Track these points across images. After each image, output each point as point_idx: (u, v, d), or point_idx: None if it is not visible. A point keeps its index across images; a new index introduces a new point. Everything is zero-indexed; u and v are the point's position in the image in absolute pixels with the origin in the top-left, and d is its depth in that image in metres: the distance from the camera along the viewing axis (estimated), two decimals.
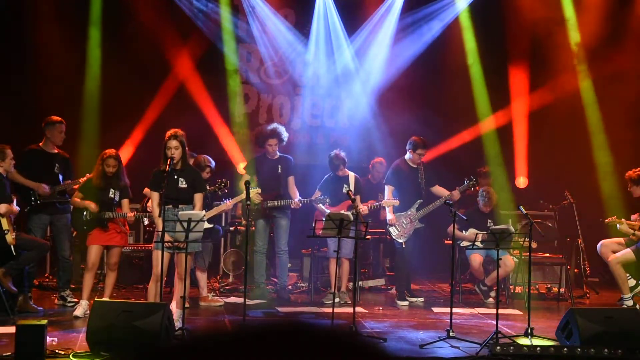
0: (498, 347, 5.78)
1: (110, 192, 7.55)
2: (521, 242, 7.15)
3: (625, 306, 8.22)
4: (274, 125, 8.89)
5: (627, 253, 8.39)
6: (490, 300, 8.65)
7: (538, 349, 5.81)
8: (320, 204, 8.48)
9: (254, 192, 8.10)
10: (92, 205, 7.45)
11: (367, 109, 11.23)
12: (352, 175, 8.78)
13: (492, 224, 8.50)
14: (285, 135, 8.70)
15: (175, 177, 6.91)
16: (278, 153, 8.68)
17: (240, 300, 7.60)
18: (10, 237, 7.08)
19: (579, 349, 5.72)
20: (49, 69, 9.87)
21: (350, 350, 1.36)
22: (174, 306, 6.75)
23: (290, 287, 9.13)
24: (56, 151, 8.01)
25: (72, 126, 8.91)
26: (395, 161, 8.83)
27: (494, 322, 6.40)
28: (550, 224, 9.69)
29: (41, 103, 9.52)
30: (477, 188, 8.97)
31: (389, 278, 9.71)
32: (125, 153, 9.91)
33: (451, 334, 6.40)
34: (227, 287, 9.33)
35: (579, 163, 10.90)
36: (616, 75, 10.90)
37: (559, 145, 11.06)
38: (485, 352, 5.93)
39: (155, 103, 10.44)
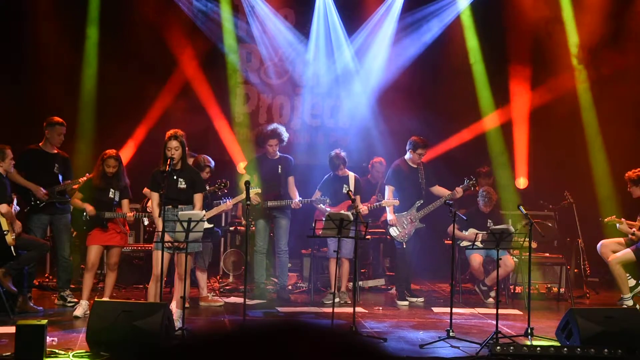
0: (498, 347, 5.78)
1: (110, 192, 7.56)
2: (521, 242, 7.14)
3: (625, 306, 8.21)
4: (274, 125, 8.88)
5: (627, 253, 8.39)
6: (490, 300, 8.65)
7: (538, 349, 5.81)
8: (321, 204, 8.48)
9: (253, 192, 8.10)
10: (89, 208, 7.45)
11: (367, 109, 11.23)
12: (352, 175, 8.78)
13: (492, 224, 8.49)
14: (285, 135, 8.70)
15: (175, 177, 6.91)
16: (278, 153, 8.68)
17: (240, 300, 7.60)
18: (10, 238, 7.08)
19: (579, 349, 5.72)
20: (48, 69, 9.87)
21: (350, 350, 1.36)
22: (174, 306, 6.75)
23: (290, 287, 9.13)
24: (56, 151, 8.00)
25: (72, 126, 8.92)
26: (395, 161, 8.83)
27: (494, 322, 6.40)
28: (550, 224, 9.70)
29: (41, 103, 9.53)
30: (477, 188, 8.97)
31: (389, 278, 9.71)
32: (127, 153, 9.92)
33: (451, 334, 6.40)
34: (227, 287, 9.33)
35: (578, 163, 10.90)
36: (616, 75, 10.90)
37: (559, 146, 11.05)
38: (485, 352, 5.93)
39: (156, 102, 10.43)
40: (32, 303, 7.62)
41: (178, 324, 6.39)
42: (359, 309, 7.51)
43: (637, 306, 8.23)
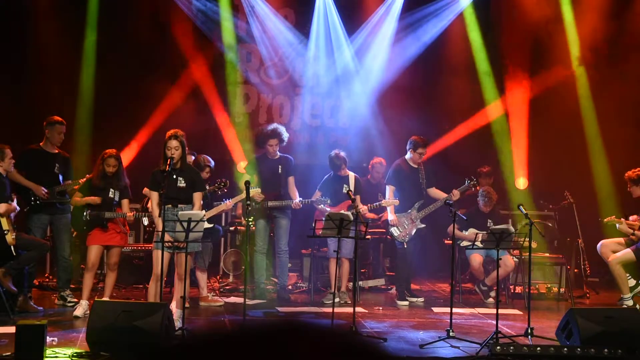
0: (498, 347, 5.78)
1: (110, 192, 7.56)
2: (521, 242, 7.15)
3: (625, 306, 8.21)
4: (274, 125, 8.88)
5: (627, 253, 8.39)
6: (490, 300, 8.65)
7: (538, 349, 5.81)
8: (321, 205, 8.48)
9: (255, 191, 8.10)
10: (93, 198, 7.45)
11: (367, 109, 11.23)
12: (352, 175, 8.78)
13: (492, 224, 8.49)
14: (285, 135, 8.70)
15: (175, 176, 6.92)
16: (278, 153, 8.68)
17: (240, 300, 7.60)
18: (10, 237, 7.08)
19: (579, 349, 5.72)
20: (48, 69, 9.87)
21: (350, 350, 1.36)
22: (174, 306, 6.75)
23: (290, 287, 9.13)
24: (56, 151, 8.00)
25: (71, 126, 8.92)
26: (395, 161, 8.82)
27: (494, 322, 6.40)
28: (550, 224, 9.70)
29: (41, 103, 9.53)
30: (477, 188, 8.97)
31: (389, 278, 9.71)
32: (127, 153, 9.92)
33: (451, 334, 6.40)
34: (227, 287, 9.33)
35: (579, 163, 10.89)
36: (616, 75, 10.90)
37: (559, 146, 11.04)
38: (485, 352, 5.93)
39: (156, 102, 10.43)
40: (32, 303, 7.62)
41: (178, 324, 6.39)
42: (359, 309, 7.51)
43: (637, 306, 8.23)
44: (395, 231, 8.57)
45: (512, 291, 9.13)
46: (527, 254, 7.07)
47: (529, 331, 6.42)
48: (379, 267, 9.99)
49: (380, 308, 8.33)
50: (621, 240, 8.60)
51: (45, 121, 7.96)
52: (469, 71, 11.38)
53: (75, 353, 5.68)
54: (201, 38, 10.81)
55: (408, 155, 8.67)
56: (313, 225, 7.00)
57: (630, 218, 8.56)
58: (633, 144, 10.54)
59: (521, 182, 11.07)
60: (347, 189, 8.14)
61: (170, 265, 7.03)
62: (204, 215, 6.78)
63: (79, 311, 7.30)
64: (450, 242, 8.01)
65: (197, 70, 10.74)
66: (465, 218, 8.22)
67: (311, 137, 11.46)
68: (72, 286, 8.17)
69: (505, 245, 6.99)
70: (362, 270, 9.57)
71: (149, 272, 7.20)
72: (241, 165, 10.37)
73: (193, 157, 8.25)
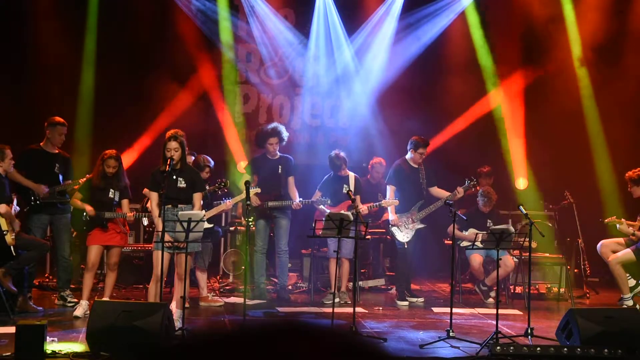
0: (498, 347, 5.78)
1: (110, 193, 7.56)
2: (521, 242, 7.14)
3: (625, 306, 8.22)
4: (274, 124, 8.89)
5: (627, 253, 8.39)
6: (490, 300, 8.65)
7: (538, 349, 5.81)
8: (322, 206, 8.48)
9: (253, 192, 8.10)
10: (88, 208, 7.45)
11: (367, 109, 11.23)
12: (352, 175, 8.78)
13: (492, 224, 8.49)
14: (285, 134, 8.70)
15: (175, 177, 6.92)
16: (278, 153, 8.68)
17: (240, 300, 7.60)
18: (9, 238, 7.08)
19: (579, 349, 5.72)
20: (48, 69, 9.87)
21: (350, 350, 1.36)
22: (174, 306, 6.75)
23: (290, 287, 9.13)
24: (57, 151, 8.00)
25: (71, 126, 8.92)
26: (396, 161, 8.82)
27: (494, 322, 6.39)
28: (550, 224, 9.70)
29: (41, 103, 9.53)
30: (477, 188, 8.97)
31: (389, 278, 9.70)
32: (129, 153, 9.92)
33: (451, 334, 6.40)
34: (227, 287, 9.33)
35: (579, 163, 10.89)
36: (616, 74, 10.90)
37: (559, 146, 11.05)
38: (485, 352, 5.93)
39: (157, 102, 10.43)
40: (32, 303, 7.62)
41: (178, 324, 6.39)
42: (359, 309, 7.51)
43: (637, 306, 8.23)
44: (395, 231, 8.56)
45: (512, 291, 9.13)
46: (527, 254, 7.06)
47: (529, 331, 6.42)
48: (379, 267, 9.99)
49: (380, 308, 8.33)
50: (621, 240, 8.60)
51: (46, 121, 7.96)
52: (469, 71, 11.38)
53: (75, 353, 5.68)
54: (201, 38, 10.80)
55: (409, 155, 8.67)
56: (313, 225, 7.00)
57: (639, 219, 8.54)
58: (633, 143, 10.54)
59: (521, 182, 11.07)
60: (347, 189, 8.14)
61: (170, 265, 7.03)
62: (204, 216, 6.78)
63: (79, 311, 7.30)
64: (450, 242, 8.01)
65: (197, 70, 10.73)
66: (465, 218, 8.22)
67: (311, 137, 11.46)
68: (72, 286, 8.16)
69: (505, 245, 6.98)
70: (362, 270, 9.57)
71: (149, 272, 7.20)
72: (241, 165, 10.37)
73: (193, 157, 8.25)
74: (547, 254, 9.32)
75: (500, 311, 6.74)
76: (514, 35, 11.36)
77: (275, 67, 11.27)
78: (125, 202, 7.64)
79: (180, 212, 6.65)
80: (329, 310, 7.17)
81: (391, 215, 8.57)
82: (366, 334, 6.75)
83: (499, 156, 11.19)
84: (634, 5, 11.13)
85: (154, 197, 6.93)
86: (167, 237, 6.56)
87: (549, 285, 9.39)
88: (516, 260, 8.82)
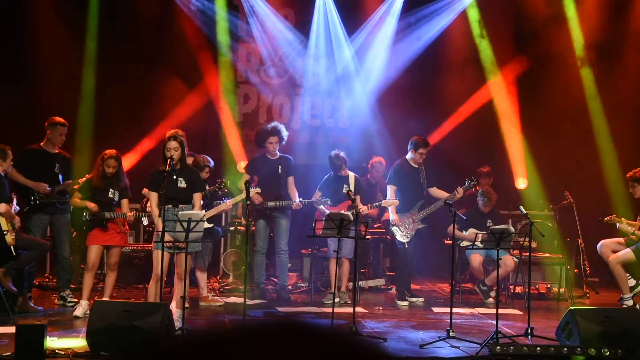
0: (498, 347, 5.78)
1: (110, 192, 7.56)
2: (521, 242, 7.14)
3: (625, 306, 8.22)
4: (274, 123, 8.90)
5: (627, 253, 8.39)
6: (490, 300, 8.65)
7: (538, 349, 5.81)
8: (322, 206, 8.48)
9: (254, 192, 8.10)
10: (91, 205, 7.46)
11: (367, 109, 11.23)
12: (352, 175, 8.78)
13: (491, 224, 8.49)
14: (285, 133, 8.70)
15: (175, 177, 6.91)
16: (278, 153, 8.68)
17: (240, 300, 7.60)
18: (9, 238, 7.08)
19: (579, 349, 5.72)
20: (49, 68, 9.87)
21: (350, 350, 1.36)
22: (174, 306, 6.75)
23: (290, 287, 9.13)
24: (57, 151, 8.00)
25: (73, 126, 8.91)
26: (396, 161, 8.82)
27: (494, 322, 6.39)
28: (550, 224, 9.70)
29: (42, 103, 9.52)
30: (477, 188, 8.97)
31: (389, 278, 9.70)
32: (131, 152, 9.92)
33: (451, 334, 6.40)
34: (227, 287, 9.33)
35: (578, 163, 10.89)
36: (617, 72, 10.90)
37: (559, 145, 11.05)
38: (485, 352, 5.93)
39: (158, 102, 10.43)
40: (32, 303, 7.62)
41: (178, 324, 6.39)
42: (359, 309, 7.51)
43: (637, 306, 8.23)
44: (396, 231, 8.56)
45: (512, 291, 9.13)
46: (527, 253, 7.06)
47: (529, 331, 6.41)
48: (379, 267, 9.99)
49: (380, 308, 8.33)
50: (621, 240, 8.60)
51: (47, 121, 7.96)
52: (469, 71, 11.38)
53: (75, 353, 5.68)
54: (201, 37, 10.80)
55: (409, 156, 8.67)
56: (313, 225, 7.00)
57: (639, 219, 8.54)
58: (634, 142, 10.54)
59: (521, 182, 11.06)
60: (347, 189, 8.14)
61: (170, 265, 7.03)
62: (204, 215, 6.78)
63: (79, 311, 7.30)
64: (450, 242, 8.01)
65: (197, 70, 10.73)
66: (465, 218, 8.22)
67: (311, 137, 11.46)
68: (72, 286, 8.16)
69: (505, 245, 6.98)
70: (362, 270, 9.57)
71: (149, 272, 7.20)
72: (241, 165, 10.37)
73: (192, 158, 8.25)
74: (547, 254, 9.32)
75: (500, 311, 6.74)
76: (510, 33, 11.36)
77: (275, 67, 11.27)
78: (125, 202, 7.64)
79: (180, 212, 6.65)
80: (329, 310, 7.17)
81: (392, 215, 8.57)
82: (366, 334, 6.75)
83: (499, 156, 11.19)
84: (634, 3, 11.12)
85: (153, 197, 6.93)
86: (167, 237, 6.56)
87: (549, 285, 9.39)
88: (516, 260, 8.82)
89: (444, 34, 11.33)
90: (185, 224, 6.34)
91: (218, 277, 9.74)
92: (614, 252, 8.49)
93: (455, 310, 6.78)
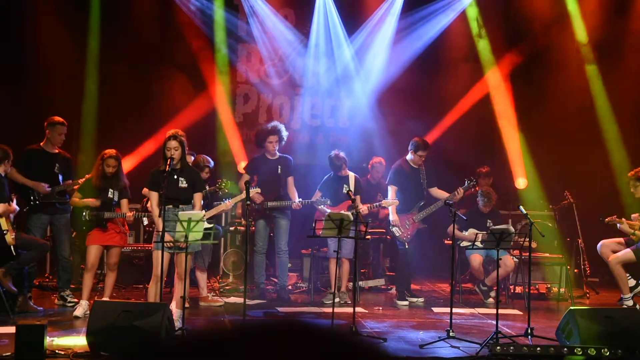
0: (498, 347, 5.78)
1: (110, 192, 7.56)
2: (521, 242, 7.14)
3: (625, 306, 8.21)
4: (274, 122, 8.91)
5: (627, 253, 8.39)
6: (490, 300, 8.65)
7: (538, 349, 5.81)
8: (322, 206, 8.48)
9: (254, 191, 8.10)
10: (92, 200, 7.45)
11: (367, 109, 11.23)
12: (352, 175, 8.78)
13: (491, 224, 8.50)
14: (285, 133, 8.70)
15: (175, 177, 6.91)
16: (278, 153, 8.68)
17: (240, 300, 7.60)
18: (9, 237, 7.08)
19: (579, 349, 5.71)
20: (50, 68, 9.86)
21: (350, 350, 1.36)
22: (174, 306, 6.74)
23: (290, 287, 9.13)
24: (57, 151, 8.00)
25: (75, 126, 8.91)
26: (397, 161, 8.82)
27: (494, 322, 6.39)
28: (550, 224, 9.69)
29: (44, 103, 9.51)
30: (477, 188, 8.97)
31: (389, 278, 9.70)
32: (133, 152, 9.93)
33: (451, 334, 6.40)
34: (227, 287, 9.33)
35: (579, 163, 10.88)
36: (618, 71, 10.89)
37: (559, 145, 11.05)
38: (485, 352, 5.93)
39: (159, 102, 10.43)
40: (32, 303, 7.62)
41: (178, 324, 6.39)
42: (359, 309, 7.51)
43: (637, 306, 8.23)
44: (397, 231, 8.56)
45: (512, 291, 9.13)
46: (527, 254, 7.06)
47: (529, 331, 6.41)
48: (379, 267, 9.99)
49: (380, 308, 8.33)
50: (621, 240, 8.60)
51: (46, 121, 7.96)
52: (469, 71, 11.38)
53: (75, 353, 5.68)
54: (201, 37, 10.80)
55: (409, 156, 8.66)
56: (313, 225, 7.00)
57: (632, 217, 8.55)
58: (635, 142, 10.54)
59: (521, 182, 11.06)
60: (347, 189, 8.14)
61: (170, 265, 7.03)
62: (204, 215, 6.77)
63: (79, 311, 7.30)
64: (450, 242, 8.01)
65: (197, 70, 10.73)
66: (465, 218, 8.22)
67: (311, 137, 11.46)
68: (72, 286, 8.16)
69: (505, 245, 6.98)
70: (362, 270, 9.57)
71: (149, 272, 7.20)
72: (241, 165, 10.37)
73: (192, 158, 8.25)
74: (547, 254, 9.32)
75: (500, 311, 6.74)
76: (509, 32, 11.36)
77: (275, 67, 11.27)
78: (124, 201, 7.64)
79: (180, 212, 6.65)
80: (329, 310, 7.17)
81: (392, 216, 8.56)
82: (366, 334, 6.75)
83: (499, 156, 11.19)
84: (634, 2, 11.12)
85: (154, 196, 6.92)
86: (167, 237, 6.56)
87: (549, 285, 9.39)
88: (516, 260, 8.82)
89: (444, 34, 11.33)
90: (185, 224, 6.34)
91: (218, 277, 9.74)
92: (614, 252, 8.49)
93: (455, 310, 6.78)
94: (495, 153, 11.27)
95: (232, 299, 8.54)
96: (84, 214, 7.50)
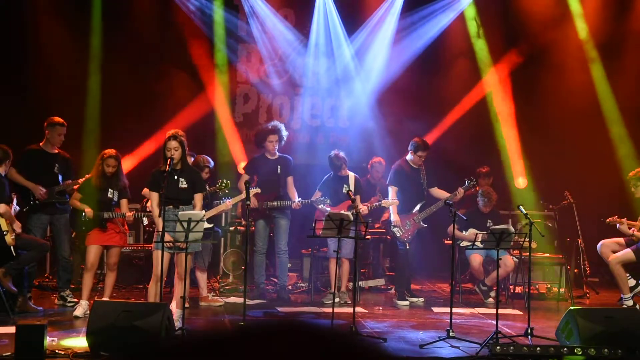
0: (498, 347, 5.78)
1: (109, 192, 7.56)
2: (521, 242, 7.14)
3: (625, 306, 8.21)
4: (274, 122, 8.92)
5: (627, 253, 8.39)
6: (490, 300, 8.65)
7: (538, 349, 5.81)
8: (322, 205, 8.48)
9: (254, 191, 8.10)
10: (87, 210, 7.44)
11: (367, 109, 11.23)
12: (352, 175, 8.78)
13: (492, 224, 8.49)
14: (285, 133, 8.71)
15: (176, 177, 6.91)
16: (277, 153, 8.68)
17: (240, 300, 7.60)
18: (9, 238, 7.08)
19: (579, 349, 5.71)
20: (52, 68, 9.86)
21: (350, 350, 1.36)
22: (174, 306, 6.74)
23: (290, 287, 9.13)
24: (56, 151, 8.00)
25: (78, 127, 8.90)
26: (397, 161, 8.81)
27: (494, 322, 6.39)
28: (550, 224, 9.69)
29: (42, 103, 9.51)
30: (477, 188, 8.97)
31: (389, 278, 9.70)
32: (135, 152, 9.93)
33: (451, 334, 6.40)
34: (227, 287, 9.33)
35: (579, 162, 10.88)
36: (618, 71, 10.89)
37: (559, 145, 11.05)
38: (485, 352, 5.93)
39: (160, 102, 10.43)
40: (32, 303, 7.62)
41: (178, 324, 6.39)
42: (359, 309, 7.51)
43: (637, 306, 8.23)
44: (398, 232, 8.56)
45: (512, 291, 9.13)
46: (527, 254, 7.06)
47: (529, 331, 6.41)
48: (379, 267, 9.99)
49: (380, 308, 8.33)
50: (621, 240, 8.60)
51: (45, 122, 7.96)
52: (469, 70, 11.38)
53: (75, 353, 5.68)
54: (201, 37, 10.80)
55: (409, 157, 8.66)
56: (313, 225, 7.00)
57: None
58: (635, 141, 10.53)
59: (521, 182, 11.06)
60: (347, 189, 8.14)
61: (170, 265, 7.02)
62: (204, 216, 6.77)
63: (79, 311, 7.30)
64: (450, 242, 8.01)
65: (197, 70, 10.73)
66: (465, 218, 8.22)
67: (311, 137, 11.46)
68: (72, 286, 8.16)
69: (505, 245, 6.98)
70: (362, 270, 9.57)
71: (149, 272, 7.20)
72: (241, 165, 10.37)
73: (192, 158, 8.25)
74: (547, 254, 9.32)
75: (500, 311, 6.74)
76: (509, 32, 11.37)
77: (275, 67, 11.28)
78: (124, 201, 7.64)
79: (180, 212, 6.65)
80: (329, 310, 7.17)
81: (393, 216, 8.56)
82: (366, 334, 6.75)
83: (499, 156, 11.18)
84: (634, 1, 11.12)
85: (154, 196, 6.92)
86: (167, 237, 6.56)
87: (549, 285, 9.39)
88: (516, 260, 8.82)
89: (444, 34, 11.33)
90: (185, 224, 6.34)
91: (218, 277, 9.74)
92: (614, 252, 8.49)
93: (455, 310, 6.78)
94: (496, 153, 11.26)
95: (232, 299, 8.54)
96: (83, 214, 7.50)
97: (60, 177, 7.93)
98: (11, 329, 5.78)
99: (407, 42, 11.27)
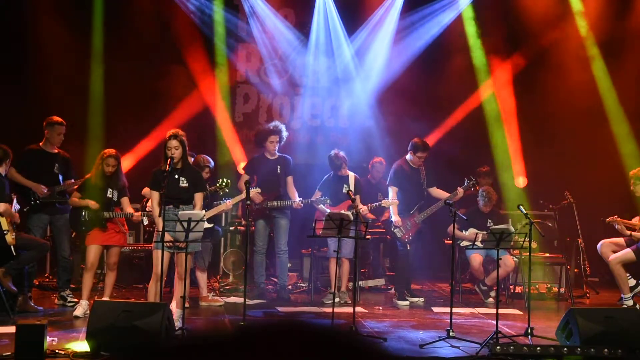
0: (498, 347, 5.78)
1: (109, 192, 7.56)
2: (521, 242, 7.14)
3: (625, 306, 8.21)
4: (275, 122, 8.92)
5: (627, 253, 8.39)
6: (490, 300, 8.65)
7: (538, 349, 5.81)
8: (322, 205, 8.48)
9: (254, 191, 8.11)
10: (91, 203, 7.45)
11: (367, 109, 11.23)
12: (352, 175, 8.78)
13: (492, 223, 8.49)
14: (285, 133, 8.71)
15: (176, 176, 6.92)
16: (277, 153, 8.68)
17: (240, 300, 7.60)
18: (9, 237, 7.08)
19: (579, 349, 5.71)
20: (52, 68, 9.86)
21: (350, 350, 1.36)
22: (174, 306, 6.75)
23: (290, 287, 9.13)
24: (56, 151, 8.00)
25: (79, 126, 8.90)
26: (396, 161, 8.81)
27: (494, 322, 6.40)
28: (550, 224, 9.69)
29: (42, 103, 9.51)
30: (477, 188, 8.97)
31: (389, 278, 9.70)
32: (135, 152, 9.93)
33: (451, 333, 6.40)
34: (227, 287, 9.33)
35: (579, 162, 10.88)
36: (618, 71, 10.89)
37: (559, 145, 11.04)
38: (485, 352, 5.93)
39: (161, 102, 10.43)
40: (32, 303, 7.62)
41: (178, 324, 6.39)
42: (359, 309, 7.51)
43: (637, 306, 8.23)
44: (398, 233, 8.56)
45: (512, 291, 9.13)
46: (527, 254, 7.06)
47: (529, 331, 6.42)
48: (379, 267, 9.99)
49: (380, 308, 8.33)
50: (621, 240, 8.60)
51: (45, 121, 7.96)
52: (469, 70, 11.37)
53: (75, 353, 5.68)
54: (200, 37, 10.80)
55: (408, 157, 8.66)
56: (313, 225, 7.00)
57: (633, 220, 8.54)
58: (635, 141, 10.53)
59: (520, 181, 11.06)
60: (347, 189, 8.14)
61: (170, 265, 7.03)
62: (204, 215, 6.78)
63: (79, 311, 7.30)
64: (450, 242, 8.01)
65: (198, 70, 10.73)
66: (465, 218, 8.21)
67: (311, 137, 11.46)
68: (72, 286, 8.16)
69: (505, 245, 6.98)
70: (362, 270, 9.57)
71: (149, 272, 7.20)
72: (241, 165, 10.37)
73: (192, 158, 8.25)
74: (547, 254, 9.32)
75: (500, 311, 6.74)
76: (509, 31, 11.36)
77: (275, 67, 11.27)
78: (125, 200, 7.64)
79: (180, 212, 6.65)
80: (329, 310, 7.17)
81: (394, 216, 8.56)
82: (366, 333, 6.75)
83: (498, 155, 11.18)
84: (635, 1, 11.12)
85: (155, 196, 6.92)
86: (167, 237, 6.55)
87: (549, 285, 9.39)
88: (516, 260, 8.82)
89: (444, 34, 11.32)
90: (185, 224, 6.34)
91: (218, 277, 9.74)
92: (614, 252, 8.49)
93: (455, 310, 6.78)
94: (495, 152, 11.25)
95: (232, 299, 8.54)
96: (83, 214, 7.50)
97: (60, 177, 7.93)
98: (11, 329, 5.78)
99: (408, 41, 11.26)
